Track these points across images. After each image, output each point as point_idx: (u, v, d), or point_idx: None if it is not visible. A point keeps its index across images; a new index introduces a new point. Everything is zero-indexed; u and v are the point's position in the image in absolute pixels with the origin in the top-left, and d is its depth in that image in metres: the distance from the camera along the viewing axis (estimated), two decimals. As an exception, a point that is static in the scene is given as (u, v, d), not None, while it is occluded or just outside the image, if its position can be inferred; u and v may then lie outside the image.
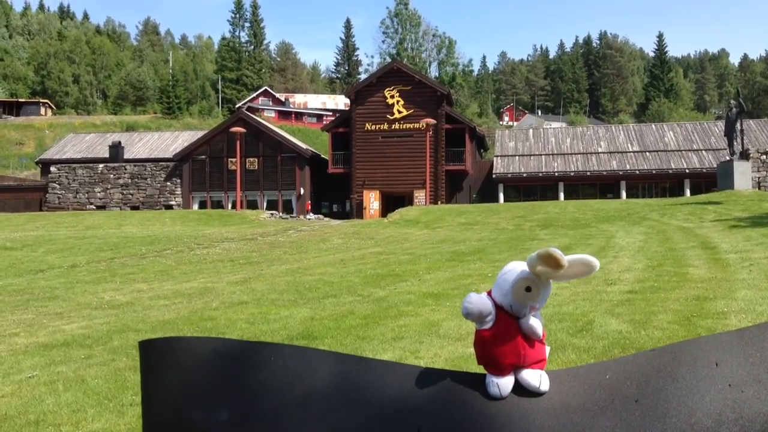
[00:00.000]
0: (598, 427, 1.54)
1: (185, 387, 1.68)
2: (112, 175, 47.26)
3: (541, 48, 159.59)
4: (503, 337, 1.65)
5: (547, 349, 1.73)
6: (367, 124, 43.94)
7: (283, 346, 1.72)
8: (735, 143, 30.52)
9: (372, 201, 43.40)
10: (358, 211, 43.15)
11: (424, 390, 1.61)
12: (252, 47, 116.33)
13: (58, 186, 47.46)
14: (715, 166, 37.65)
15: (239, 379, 1.63)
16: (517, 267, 1.69)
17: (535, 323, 1.68)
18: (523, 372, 1.65)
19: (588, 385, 1.61)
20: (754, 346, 1.59)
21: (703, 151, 44.51)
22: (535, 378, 1.64)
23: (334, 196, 47.04)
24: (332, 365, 1.65)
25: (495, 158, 46.80)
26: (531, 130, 52.35)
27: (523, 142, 47.91)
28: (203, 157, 46.50)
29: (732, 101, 32.46)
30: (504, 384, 1.63)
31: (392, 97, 43.83)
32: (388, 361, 1.75)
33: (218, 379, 1.64)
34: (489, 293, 1.71)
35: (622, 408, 1.56)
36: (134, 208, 45.41)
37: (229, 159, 44.99)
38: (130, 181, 47.10)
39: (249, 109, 73.81)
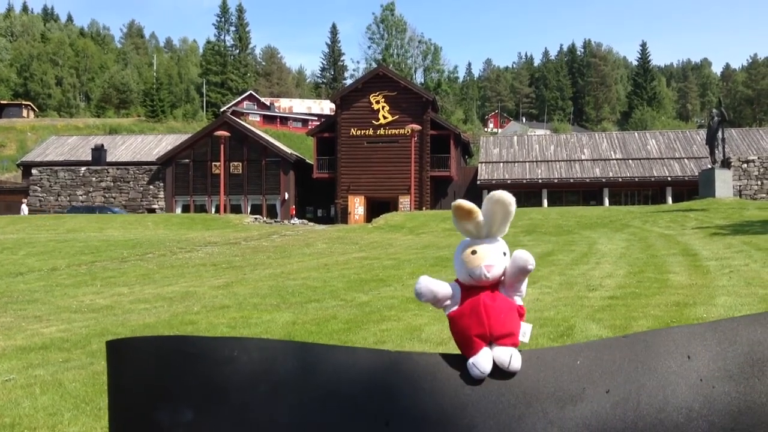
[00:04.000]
0: (568, 418, 1.54)
1: (151, 385, 1.66)
2: (94, 178, 46.92)
3: (526, 56, 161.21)
4: (467, 311, 1.66)
5: (528, 327, 1.70)
6: (352, 130, 43.95)
7: (247, 339, 1.69)
8: (716, 152, 30.87)
9: (357, 206, 43.37)
10: (343, 216, 43.12)
11: (394, 377, 1.58)
12: (237, 51, 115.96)
13: (39, 188, 47.03)
14: (696, 174, 38.07)
15: (204, 376, 1.60)
16: (461, 242, 1.73)
17: (522, 253, 1.68)
18: (495, 348, 1.63)
19: (559, 370, 1.59)
20: (727, 340, 1.59)
21: (685, 159, 44.96)
22: (505, 355, 1.61)
23: (318, 201, 46.97)
24: (299, 356, 1.62)
25: (479, 165, 47.00)
26: (515, 137, 52.64)
27: (507, 149, 48.14)
28: (187, 160, 46.27)
29: (714, 110, 32.85)
30: (480, 362, 1.61)
31: (377, 102, 43.87)
32: (357, 347, 1.73)
33: (183, 377, 1.61)
34: (457, 281, 1.73)
35: (593, 399, 1.55)
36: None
37: (213, 163, 44.79)
38: (112, 184, 46.77)
39: (234, 113, 73.52)
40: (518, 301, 1.72)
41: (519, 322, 1.69)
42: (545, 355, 1.64)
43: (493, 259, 1.66)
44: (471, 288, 1.68)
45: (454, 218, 1.68)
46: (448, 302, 1.69)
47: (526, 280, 1.73)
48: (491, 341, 1.64)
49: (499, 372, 1.61)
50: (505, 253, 1.70)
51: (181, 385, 1.61)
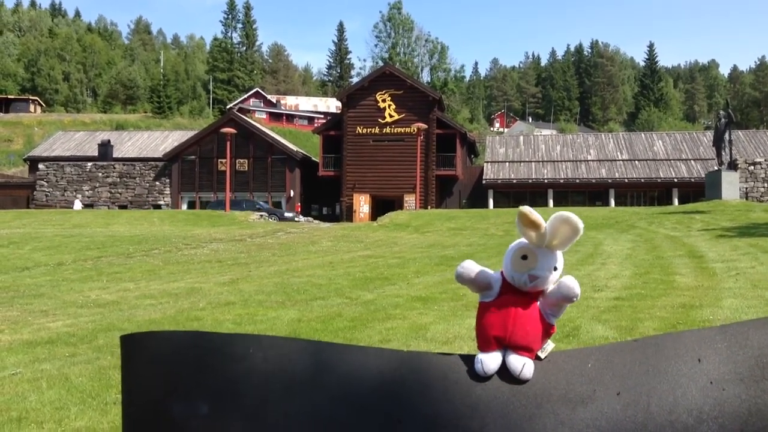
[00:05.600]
0: (579, 419, 1.54)
1: (165, 381, 1.67)
2: (100, 174, 47.04)
3: (533, 55, 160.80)
4: (497, 309, 1.64)
5: (551, 345, 1.68)
6: (358, 128, 43.95)
7: (263, 337, 1.70)
8: (723, 153, 30.74)
9: (362, 204, 43.39)
10: (348, 215, 43.14)
11: (406, 376, 1.59)
12: (244, 48, 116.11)
13: (45, 184, 47.19)
14: (703, 175, 37.93)
15: (219, 372, 1.62)
16: (518, 240, 1.69)
17: (570, 281, 1.63)
18: (510, 356, 1.63)
19: (569, 373, 1.60)
20: (737, 343, 1.59)
21: (692, 161, 44.82)
22: (519, 363, 1.61)
23: (324, 199, 47.00)
24: (313, 355, 1.63)
25: (485, 164, 46.93)
26: (521, 137, 52.56)
27: (513, 149, 48.07)
28: (193, 157, 46.37)
29: (721, 112, 32.70)
30: (487, 360, 1.61)
31: (384, 101, 43.86)
32: (371, 347, 1.74)
33: (198, 373, 1.63)
34: (502, 272, 1.71)
35: (603, 401, 1.55)
36: (122, 207, 45.21)
37: (219, 160, 44.86)
38: (118, 179, 46.91)
39: (240, 110, 73.60)
40: (552, 321, 1.69)
41: (542, 340, 1.66)
42: (556, 358, 1.65)
43: (540, 270, 1.61)
44: (512, 287, 1.66)
45: (517, 221, 1.64)
46: (485, 291, 1.68)
47: (567, 305, 1.70)
48: (507, 347, 1.64)
49: (510, 375, 1.61)
50: (556, 268, 1.65)
51: (196, 380, 1.63)
